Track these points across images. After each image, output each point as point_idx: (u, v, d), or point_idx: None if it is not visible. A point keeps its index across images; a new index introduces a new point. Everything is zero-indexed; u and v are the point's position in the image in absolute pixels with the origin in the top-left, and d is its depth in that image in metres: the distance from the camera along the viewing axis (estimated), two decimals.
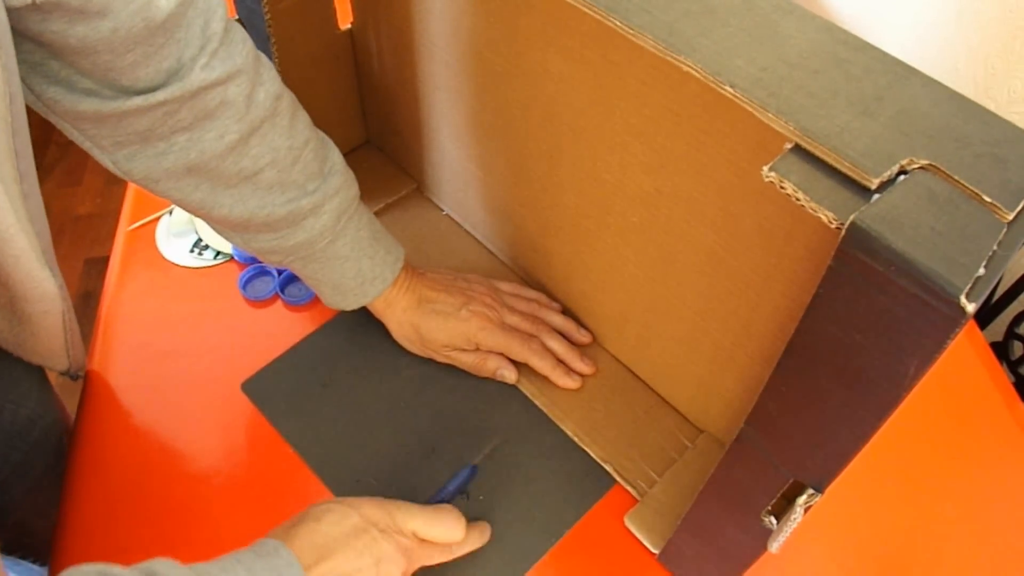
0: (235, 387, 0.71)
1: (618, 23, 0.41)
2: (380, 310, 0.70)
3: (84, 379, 0.71)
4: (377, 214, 0.82)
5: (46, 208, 0.59)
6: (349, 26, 0.77)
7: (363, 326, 0.74)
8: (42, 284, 0.54)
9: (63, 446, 0.72)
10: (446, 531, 0.56)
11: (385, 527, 0.52)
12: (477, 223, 0.80)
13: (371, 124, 0.87)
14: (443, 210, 0.84)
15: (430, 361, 0.72)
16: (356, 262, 0.65)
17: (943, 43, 0.91)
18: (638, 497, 0.64)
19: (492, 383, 0.71)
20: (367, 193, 0.83)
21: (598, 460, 0.66)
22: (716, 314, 0.56)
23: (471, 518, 0.62)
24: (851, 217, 0.31)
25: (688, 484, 0.64)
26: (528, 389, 0.70)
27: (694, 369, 0.63)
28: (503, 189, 0.71)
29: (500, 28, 0.58)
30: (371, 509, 0.53)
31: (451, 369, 0.71)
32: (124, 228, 0.83)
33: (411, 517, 0.54)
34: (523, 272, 0.78)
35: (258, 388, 0.71)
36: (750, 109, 0.36)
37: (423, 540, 0.55)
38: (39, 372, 0.71)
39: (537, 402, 0.69)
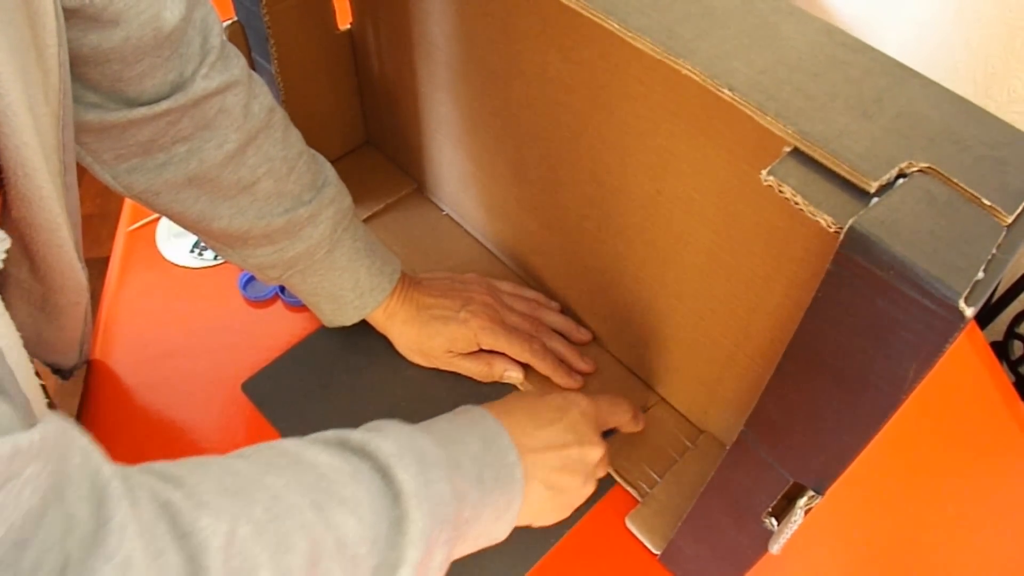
0: (235, 387, 0.70)
1: (616, 25, 0.41)
2: (381, 323, 0.70)
3: (84, 379, 0.71)
4: (377, 214, 0.82)
5: None
6: (349, 26, 0.77)
7: (363, 326, 0.74)
8: (76, 274, 0.54)
9: None
10: (623, 415, 0.62)
11: (585, 410, 0.56)
12: (477, 223, 0.80)
13: (371, 124, 0.87)
14: (443, 210, 0.84)
15: None
16: (354, 273, 0.65)
17: (942, 43, 0.91)
18: (639, 498, 0.64)
19: (492, 383, 0.70)
20: (367, 193, 0.82)
21: None
22: (716, 315, 0.56)
23: None
24: (850, 221, 0.31)
25: (689, 485, 0.64)
26: (527, 389, 0.70)
27: (694, 370, 0.63)
28: (503, 189, 0.71)
29: (499, 29, 0.58)
30: (575, 394, 0.57)
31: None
32: (124, 228, 0.82)
33: (605, 406, 0.59)
34: (523, 272, 0.78)
35: (258, 388, 0.70)
36: (748, 112, 0.36)
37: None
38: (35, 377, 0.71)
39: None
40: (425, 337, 0.68)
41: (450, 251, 0.80)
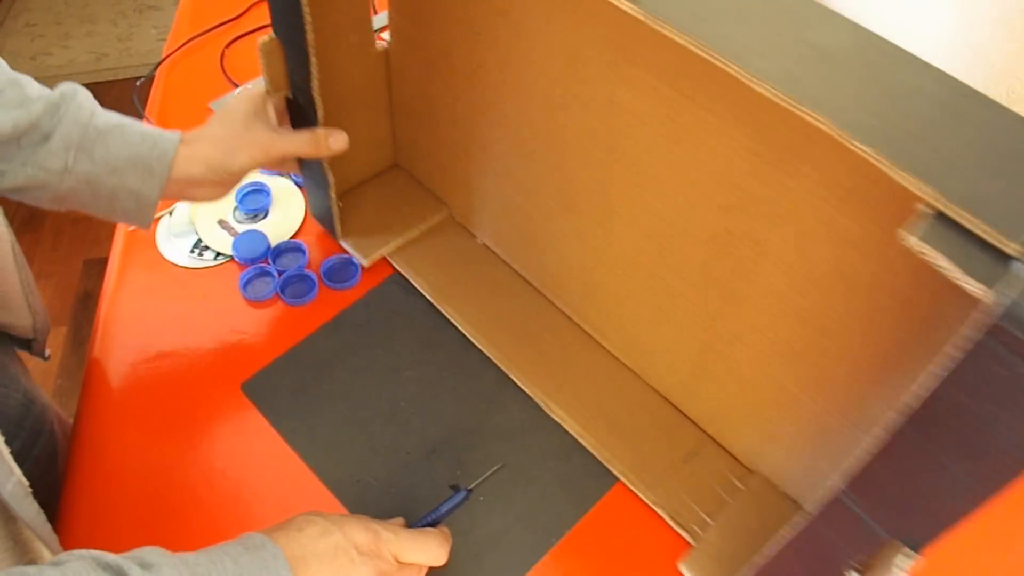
0: (235, 387, 0.68)
1: (737, 69, 0.37)
2: None
3: (84, 379, 0.69)
4: (411, 242, 0.78)
5: (45, 209, 0.60)
6: (385, 46, 0.72)
7: (363, 327, 0.73)
8: None
9: (54, 436, 0.70)
10: (430, 556, 0.54)
11: (367, 550, 0.50)
12: (516, 252, 0.75)
13: (401, 146, 0.82)
14: (477, 238, 0.80)
15: (430, 362, 0.70)
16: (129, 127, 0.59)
17: (942, 43, 0.91)
18: (692, 542, 0.60)
19: (492, 383, 0.69)
20: (400, 220, 0.78)
21: (650, 504, 0.62)
22: (782, 357, 0.53)
23: (472, 518, 0.62)
24: (1012, 295, 0.28)
25: (743, 527, 0.60)
26: (531, 390, 0.68)
27: (751, 410, 0.60)
28: (549, 219, 0.67)
29: (561, 58, 0.54)
30: (356, 530, 0.50)
31: (451, 369, 0.70)
32: (124, 228, 0.80)
33: (396, 541, 0.52)
34: (564, 303, 0.73)
35: (258, 388, 0.69)
36: (879, 165, 0.33)
37: (403, 563, 0.52)
38: (19, 360, 0.69)
39: (547, 407, 0.67)
40: None
41: (487, 281, 0.75)
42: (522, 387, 0.68)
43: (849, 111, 0.35)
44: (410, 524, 0.58)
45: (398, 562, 0.52)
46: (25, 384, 0.69)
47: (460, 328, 0.72)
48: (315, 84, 0.62)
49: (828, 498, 0.40)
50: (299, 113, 0.67)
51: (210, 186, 0.63)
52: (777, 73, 0.36)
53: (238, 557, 0.45)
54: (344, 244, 0.77)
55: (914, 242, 0.31)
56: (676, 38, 0.39)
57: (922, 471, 0.35)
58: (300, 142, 0.66)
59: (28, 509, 0.48)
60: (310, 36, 0.59)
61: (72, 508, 0.62)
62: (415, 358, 0.71)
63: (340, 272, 0.77)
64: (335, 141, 0.67)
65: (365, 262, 0.76)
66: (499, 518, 0.62)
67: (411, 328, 0.73)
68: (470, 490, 0.60)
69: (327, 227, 0.78)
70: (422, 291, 0.74)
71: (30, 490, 0.49)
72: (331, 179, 0.71)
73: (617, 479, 0.64)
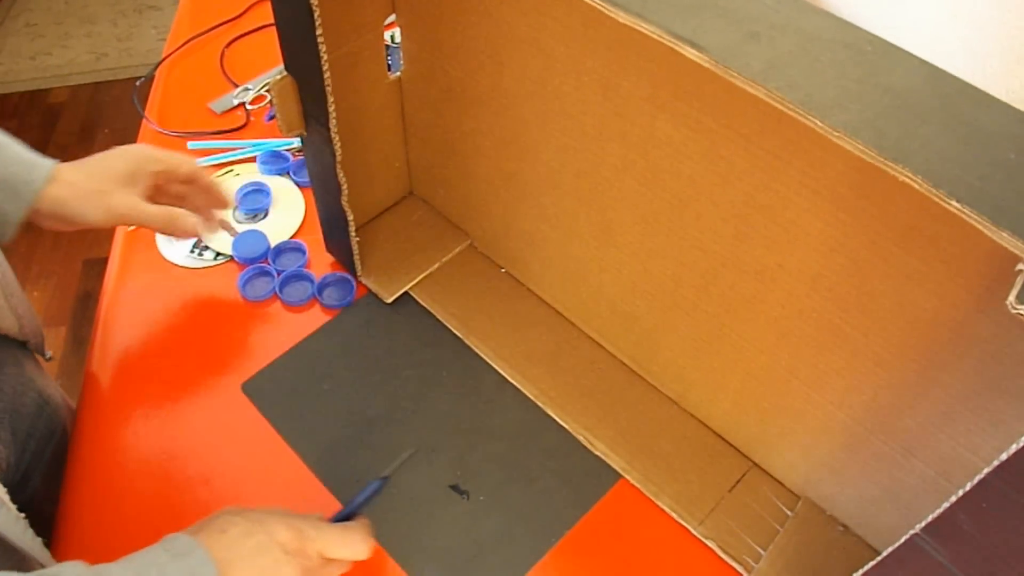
0: (235, 387, 0.68)
1: (820, 123, 0.36)
2: None
3: (83, 379, 0.70)
4: (432, 275, 0.76)
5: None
6: (398, 75, 0.71)
7: (363, 327, 0.73)
8: None
9: (68, 435, 0.70)
10: (354, 551, 0.53)
11: (292, 549, 0.49)
12: (543, 282, 0.74)
13: (417, 175, 0.80)
14: (501, 268, 0.78)
15: (430, 362, 0.70)
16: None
17: (939, 44, 0.90)
18: (744, 573, 0.59)
19: (492, 384, 0.69)
20: (419, 251, 0.76)
21: (700, 537, 0.60)
22: (834, 389, 0.52)
23: (472, 518, 0.62)
24: None
25: (795, 557, 0.59)
26: (570, 425, 0.66)
27: (799, 438, 0.58)
28: (581, 251, 0.65)
29: (596, 89, 0.52)
30: (279, 528, 0.49)
31: (450, 369, 0.70)
32: (124, 229, 0.80)
33: (320, 538, 0.51)
34: (599, 333, 0.71)
35: (258, 388, 0.68)
36: (977, 225, 0.32)
37: (328, 559, 0.52)
38: (34, 360, 0.69)
39: (588, 442, 0.65)
40: None
41: (514, 311, 0.74)
42: (561, 423, 0.67)
43: (935, 162, 0.34)
44: (329, 518, 0.57)
45: (323, 558, 0.52)
46: (40, 383, 0.69)
47: (494, 365, 0.70)
48: (333, 123, 0.61)
49: (905, 542, 0.39)
50: (316, 152, 0.65)
51: (54, 222, 0.64)
52: (859, 124, 0.35)
53: (164, 567, 0.44)
54: (365, 282, 0.75)
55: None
56: (746, 87, 0.37)
57: (1008, 520, 0.34)
58: (156, 218, 0.66)
59: (4, 518, 0.47)
60: (327, 75, 0.57)
61: (72, 508, 0.62)
62: (415, 358, 0.71)
63: (336, 291, 0.76)
64: (192, 226, 0.68)
65: (388, 299, 0.74)
66: (499, 518, 0.62)
67: (411, 328, 0.73)
68: (385, 478, 0.60)
69: (346, 265, 0.76)
70: (450, 327, 0.72)
71: (6, 497, 0.49)
72: (351, 216, 0.69)
73: (619, 477, 0.64)
